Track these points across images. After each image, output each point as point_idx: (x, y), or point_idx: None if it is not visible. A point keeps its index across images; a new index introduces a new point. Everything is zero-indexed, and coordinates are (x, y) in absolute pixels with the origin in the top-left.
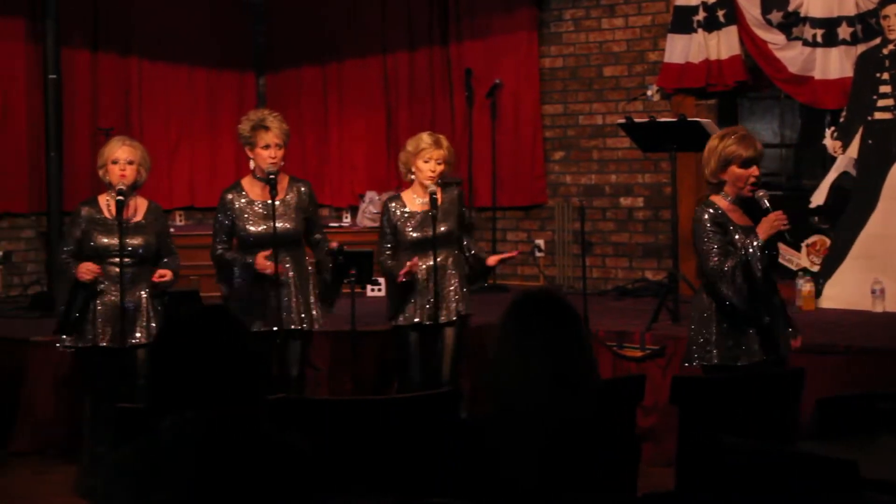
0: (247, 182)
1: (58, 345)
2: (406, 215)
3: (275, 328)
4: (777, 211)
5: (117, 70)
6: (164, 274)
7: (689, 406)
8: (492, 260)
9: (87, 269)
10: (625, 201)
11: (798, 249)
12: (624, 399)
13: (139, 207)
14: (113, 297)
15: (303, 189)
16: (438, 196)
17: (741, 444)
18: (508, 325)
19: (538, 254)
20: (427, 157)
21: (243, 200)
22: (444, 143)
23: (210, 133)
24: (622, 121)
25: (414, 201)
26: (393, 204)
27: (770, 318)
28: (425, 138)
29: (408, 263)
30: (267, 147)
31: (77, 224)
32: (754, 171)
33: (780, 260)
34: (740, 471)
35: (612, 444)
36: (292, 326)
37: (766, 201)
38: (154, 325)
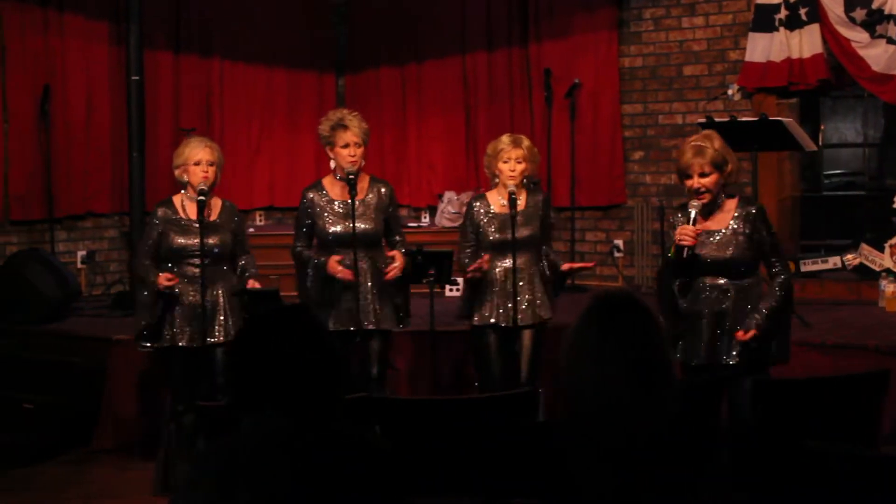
0: (327, 181)
1: (138, 347)
2: (489, 216)
3: (352, 328)
4: (684, 226)
5: (199, 71)
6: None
7: (768, 409)
8: (566, 266)
9: (165, 280)
10: None
11: (881, 250)
12: (705, 400)
13: (214, 207)
14: (190, 297)
15: (383, 190)
16: (523, 199)
17: (821, 448)
18: (584, 327)
19: (617, 254)
20: (506, 158)
21: (323, 199)
22: (524, 142)
23: (290, 133)
24: (702, 120)
25: (498, 202)
26: (477, 203)
27: (698, 325)
28: (504, 139)
29: (478, 261)
30: (346, 146)
31: (153, 226)
32: (692, 182)
33: (864, 261)
34: (820, 474)
35: (694, 445)
36: (370, 327)
37: (692, 213)
38: (231, 323)
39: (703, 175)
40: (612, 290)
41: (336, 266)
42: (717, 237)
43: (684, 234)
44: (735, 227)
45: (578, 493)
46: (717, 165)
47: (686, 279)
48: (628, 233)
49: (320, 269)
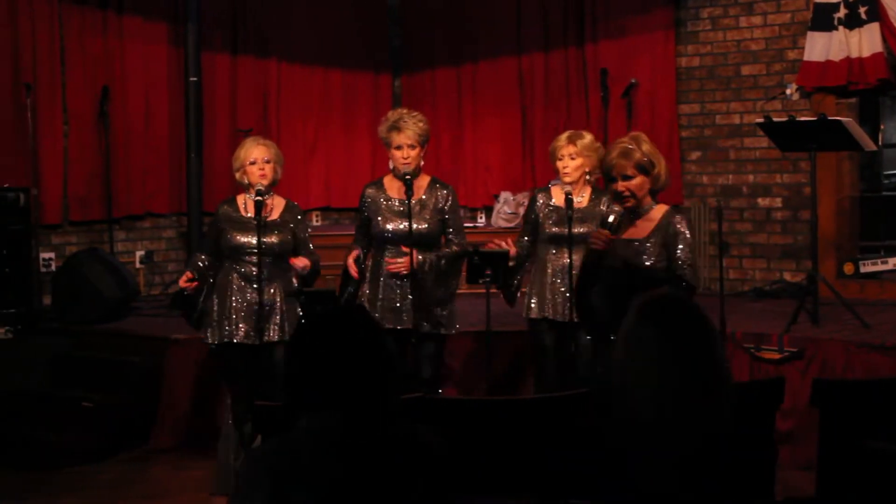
0: (387, 180)
1: (203, 339)
2: (550, 209)
3: (406, 328)
4: (598, 230)
5: (256, 72)
6: (300, 262)
7: (830, 409)
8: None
9: (184, 281)
10: (763, 202)
11: None
12: (762, 402)
13: (276, 206)
14: (248, 295)
15: (443, 192)
16: (586, 195)
17: (885, 449)
18: (636, 331)
19: None
20: (561, 154)
21: (382, 197)
22: (581, 138)
23: (346, 134)
24: (761, 120)
25: (561, 197)
26: (541, 195)
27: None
28: (562, 136)
29: (500, 242)
30: (399, 148)
31: (215, 223)
32: (618, 185)
33: None
34: (884, 476)
35: (750, 449)
36: (425, 326)
37: (609, 218)
38: (288, 322)
39: (625, 178)
40: (659, 292)
41: (349, 261)
42: (636, 245)
43: (597, 238)
44: (654, 238)
45: (637, 495)
46: (642, 168)
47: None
48: None
49: (379, 266)
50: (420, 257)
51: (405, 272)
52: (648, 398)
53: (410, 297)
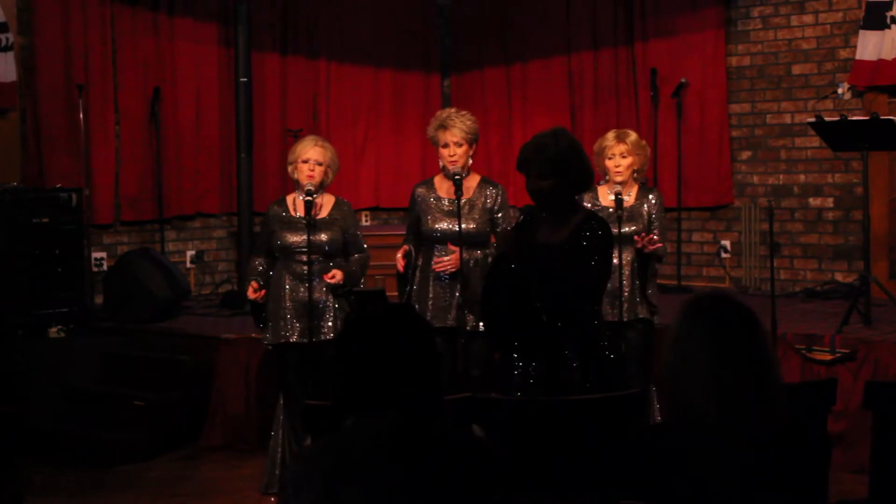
0: (438, 179)
1: (264, 342)
2: (597, 208)
3: (455, 326)
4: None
5: (306, 72)
6: (333, 275)
7: (883, 412)
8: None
9: (251, 292)
10: (814, 201)
11: None
12: (814, 404)
13: (325, 204)
14: (301, 294)
15: (493, 191)
16: (633, 194)
17: None
18: (678, 329)
19: (724, 255)
20: (611, 154)
21: (431, 197)
22: (629, 137)
23: (395, 134)
24: (812, 119)
25: (607, 197)
26: (587, 197)
27: None
28: (608, 135)
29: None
30: (446, 146)
31: (266, 224)
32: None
33: None
34: None
35: (802, 450)
36: (472, 325)
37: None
38: (340, 321)
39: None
40: (706, 292)
41: (398, 256)
42: (552, 250)
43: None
44: (569, 245)
45: (693, 496)
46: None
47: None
48: (736, 234)
49: (427, 266)
50: (468, 256)
51: (451, 270)
52: (699, 398)
53: (460, 296)
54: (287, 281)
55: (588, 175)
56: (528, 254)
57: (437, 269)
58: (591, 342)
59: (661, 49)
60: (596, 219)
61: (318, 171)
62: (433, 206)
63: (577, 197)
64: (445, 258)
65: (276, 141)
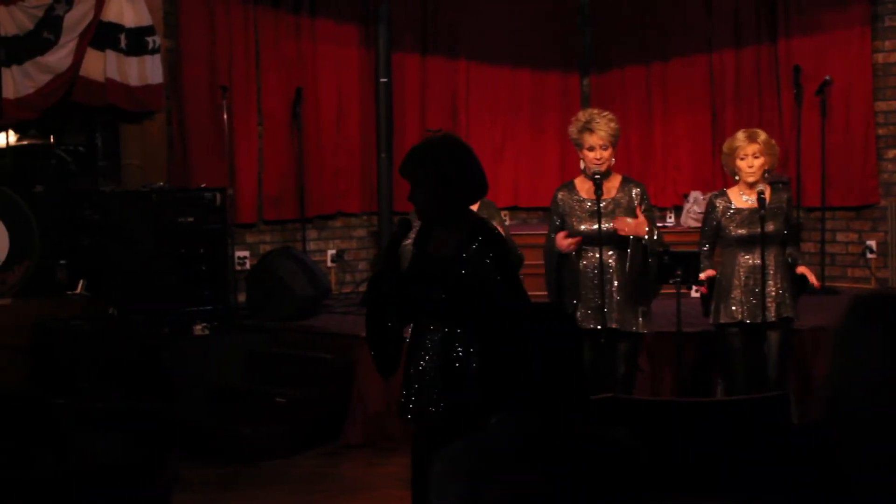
0: (579, 181)
1: None
2: (731, 212)
3: (599, 326)
4: None
5: (445, 73)
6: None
7: None
8: (800, 269)
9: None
10: None
11: None
12: None
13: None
14: None
15: (635, 190)
16: (767, 193)
17: None
18: (844, 329)
19: (869, 255)
20: (743, 154)
21: (573, 199)
22: (760, 136)
23: (534, 134)
24: None
25: (740, 198)
26: (719, 200)
27: None
28: (739, 135)
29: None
30: (591, 149)
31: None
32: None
33: None
34: None
35: None
36: (616, 327)
37: None
38: None
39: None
40: (873, 290)
41: (562, 240)
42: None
43: None
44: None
45: (847, 498)
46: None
47: None
48: (882, 233)
49: (573, 266)
50: (609, 256)
51: (571, 249)
52: (852, 397)
53: (608, 296)
54: None
55: (474, 185)
56: (418, 265)
57: (622, 233)
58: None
59: (804, 46)
60: (484, 229)
61: None
62: (576, 207)
63: (713, 200)
64: (629, 220)
65: (415, 140)
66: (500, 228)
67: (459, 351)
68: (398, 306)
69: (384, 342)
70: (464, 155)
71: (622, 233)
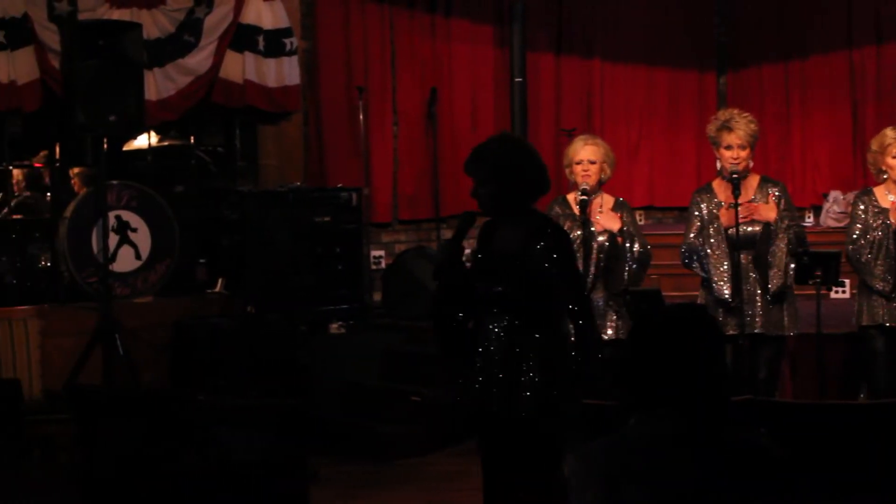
0: (716, 183)
1: None
2: (877, 210)
3: (738, 332)
4: None
5: (580, 72)
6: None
7: None
8: None
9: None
10: None
11: None
12: None
13: (605, 203)
14: None
15: (774, 191)
16: None
17: None
18: None
19: None
20: (894, 153)
21: (712, 202)
22: None
23: (669, 133)
24: None
25: (886, 197)
26: (864, 199)
27: None
28: (888, 132)
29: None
30: (729, 148)
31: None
32: None
33: None
34: None
35: None
36: (756, 330)
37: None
38: (616, 321)
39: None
40: None
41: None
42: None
43: None
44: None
45: None
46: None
47: None
48: None
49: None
50: (749, 257)
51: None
52: None
53: (751, 298)
54: None
55: (536, 181)
56: (482, 262)
57: (758, 216)
58: (553, 350)
59: None
60: (550, 225)
61: (593, 169)
62: (714, 210)
63: (857, 199)
64: (756, 205)
65: (549, 140)
66: (629, 227)
67: (521, 338)
68: (462, 299)
69: (449, 331)
70: (522, 152)
71: (756, 216)
